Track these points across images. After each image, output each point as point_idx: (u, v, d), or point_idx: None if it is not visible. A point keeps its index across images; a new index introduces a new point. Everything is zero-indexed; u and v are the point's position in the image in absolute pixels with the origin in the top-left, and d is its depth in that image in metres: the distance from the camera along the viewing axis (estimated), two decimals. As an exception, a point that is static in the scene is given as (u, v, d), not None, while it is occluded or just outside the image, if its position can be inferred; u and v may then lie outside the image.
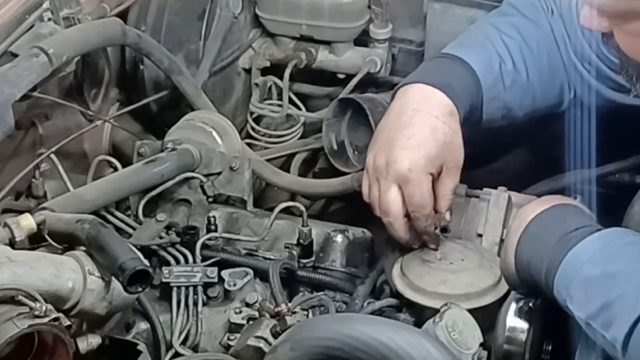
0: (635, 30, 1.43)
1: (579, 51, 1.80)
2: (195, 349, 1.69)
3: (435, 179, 1.72)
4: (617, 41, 1.46)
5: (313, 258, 1.81)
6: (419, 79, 1.77)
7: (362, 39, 2.30)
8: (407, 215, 1.72)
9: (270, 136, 2.32)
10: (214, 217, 1.83)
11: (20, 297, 1.38)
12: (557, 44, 1.83)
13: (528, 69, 1.82)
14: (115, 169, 1.88)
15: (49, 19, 1.87)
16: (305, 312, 1.66)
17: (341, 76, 2.33)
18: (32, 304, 1.37)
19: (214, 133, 1.95)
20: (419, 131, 1.70)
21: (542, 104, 1.85)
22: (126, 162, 1.91)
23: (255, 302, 1.69)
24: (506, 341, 1.57)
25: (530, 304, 1.53)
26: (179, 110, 2.10)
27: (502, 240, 1.74)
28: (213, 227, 1.81)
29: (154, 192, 1.85)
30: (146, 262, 1.49)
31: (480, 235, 1.78)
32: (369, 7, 2.26)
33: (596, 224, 1.48)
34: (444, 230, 1.73)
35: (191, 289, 1.71)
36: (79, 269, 1.47)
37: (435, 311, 1.54)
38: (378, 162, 1.72)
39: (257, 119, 2.34)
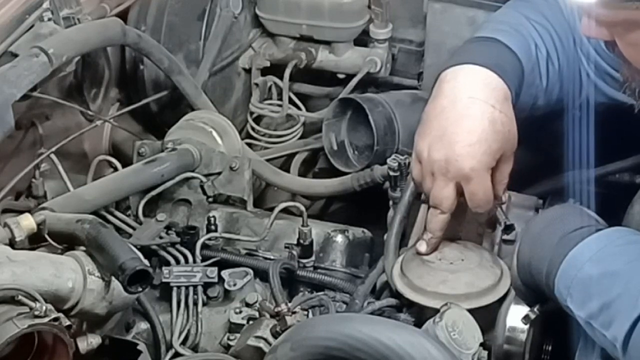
0: (636, 40, 1.42)
1: (578, 44, 1.76)
2: (195, 349, 1.70)
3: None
4: (621, 51, 1.45)
5: (313, 258, 1.81)
6: (468, 60, 1.67)
7: (362, 39, 2.30)
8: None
9: (270, 136, 2.32)
10: (214, 217, 1.83)
11: (20, 297, 1.38)
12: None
13: (559, 56, 1.75)
14: (115, 169, 1.89)
15: (49, 19, 1.87)
16: (305, 312, 1.66)
17: (341, 76, 2.33)
18: (32, 304, 1.37)
19: (214, 133, 1.95)
20: (478, 124, 1.61)
21: (564, 95, 1.79)
22: (126, 162, 1.91)
23: (255, 302, 1.69)
24: (506, 341, 1.57)
25: (536, 310, 1.53)
26: (179, 110, 2.10)
27: (502, 241, 1.74)
28: (213, 227, 1.81)
29: (154, 192, 1.85)
30: (146, 262, 1.49)
31: (480, 235, 1.78)
32: (369, 7, 2.26)
33: (597, 223, 1.47)
34: (508, 228, 1.69)
35: (191, 289, 1.71)
36: (79, 269, 1.47)
37: (435, 311, 1.54)
38: (435, 157, 1.62)
39: (257, 119, 2.34)
